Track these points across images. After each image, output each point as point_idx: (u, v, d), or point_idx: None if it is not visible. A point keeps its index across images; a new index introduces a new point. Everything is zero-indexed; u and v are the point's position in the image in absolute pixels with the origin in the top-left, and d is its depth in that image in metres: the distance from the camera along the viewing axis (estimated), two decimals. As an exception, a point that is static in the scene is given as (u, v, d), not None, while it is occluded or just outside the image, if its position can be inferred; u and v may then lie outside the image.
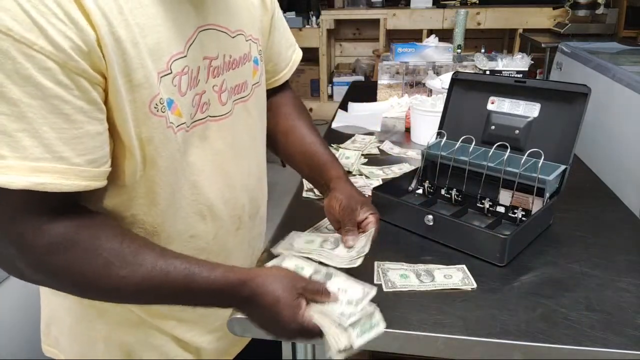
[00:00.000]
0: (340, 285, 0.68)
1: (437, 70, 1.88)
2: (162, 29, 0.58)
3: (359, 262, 0.73)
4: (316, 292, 0.64)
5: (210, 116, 0.67)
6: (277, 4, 0.84)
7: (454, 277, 0.80)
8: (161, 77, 0.58)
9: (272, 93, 0.91)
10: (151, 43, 0.56)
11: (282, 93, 0.93)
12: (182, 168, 0.65)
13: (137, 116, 0.57)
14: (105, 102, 0.55)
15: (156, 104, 0.58)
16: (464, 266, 0.82)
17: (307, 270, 0.72)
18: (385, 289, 0.77)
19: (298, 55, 0.93)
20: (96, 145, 0.54)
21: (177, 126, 0.62)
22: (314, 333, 0.61)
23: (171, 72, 0.59)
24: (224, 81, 0.69)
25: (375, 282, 0.79)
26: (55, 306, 0.77)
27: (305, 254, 0.76)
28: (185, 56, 0.61)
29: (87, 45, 0.50)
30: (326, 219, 0.96)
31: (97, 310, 0.72)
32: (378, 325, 0.64)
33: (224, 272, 0.61)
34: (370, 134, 1.56)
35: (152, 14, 0.56)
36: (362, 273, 0.80)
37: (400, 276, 0.80)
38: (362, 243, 0.75)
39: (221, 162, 0.70)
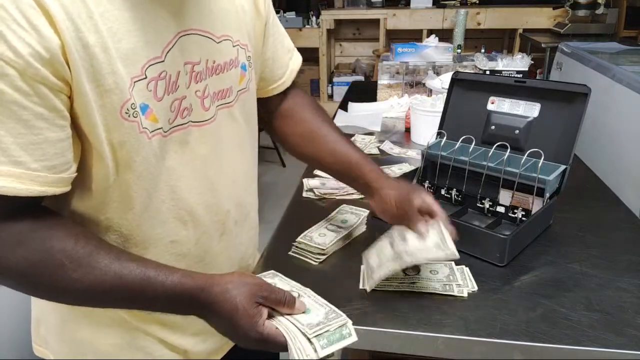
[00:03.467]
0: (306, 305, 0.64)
1: (437, 70, 1.88)
2: (137, 33, 0.57)
3: (452, 248, 0.69)
4: (278, 303, 0.61)
5: (192, 121, 0.66)
6: (272, 10, 0.82)
7: (440, 273, 0.79)
8: (135, 82, 0.57)
9: (283, 99, 0.89)
10: (124, 48, 0.56)
11: (295, 98, 0.91)
12: (159, 173, 0.64)
13: (107, 121, 0.56)
14: (71, 108, 0.55)
15: (127, 109, 0.57)
16: (452, 262, 0.81)
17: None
18: (367, 283, 0.77)
19: (297, 61, 0.89)
20: (56, 152, 0.54)
21: (152, 131, 0.61)
22: (277, 343, 0.59)
23: (146, 77, 0.58)
24: (207, 86, 0.67)
25: (361, 271, 0.79)
26: (44, 306, 0.77)
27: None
28: (162, 61, 0.60)
29: (49, 52, 0.50)
30: (326, 218, 0.96)
31: (82, 311, 0.71)
32: (350, 336, 0.61)
33: (180, 277, 0.59)
34: (370, 134, 1.56)
35: (126, 19, 0.56)
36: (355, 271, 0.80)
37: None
38: (437, 229, 0.71)
39: (203, 168, 0.69)
